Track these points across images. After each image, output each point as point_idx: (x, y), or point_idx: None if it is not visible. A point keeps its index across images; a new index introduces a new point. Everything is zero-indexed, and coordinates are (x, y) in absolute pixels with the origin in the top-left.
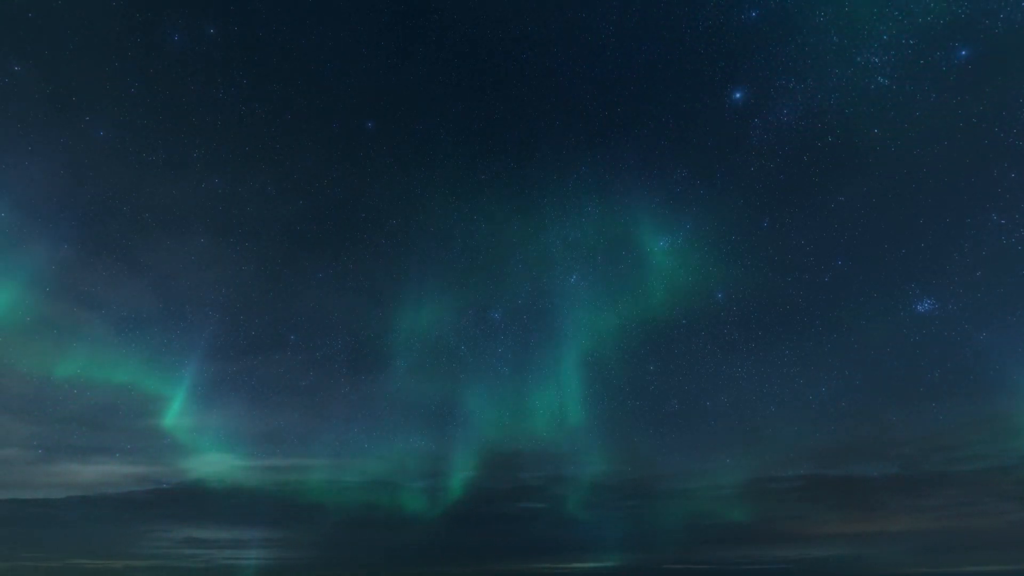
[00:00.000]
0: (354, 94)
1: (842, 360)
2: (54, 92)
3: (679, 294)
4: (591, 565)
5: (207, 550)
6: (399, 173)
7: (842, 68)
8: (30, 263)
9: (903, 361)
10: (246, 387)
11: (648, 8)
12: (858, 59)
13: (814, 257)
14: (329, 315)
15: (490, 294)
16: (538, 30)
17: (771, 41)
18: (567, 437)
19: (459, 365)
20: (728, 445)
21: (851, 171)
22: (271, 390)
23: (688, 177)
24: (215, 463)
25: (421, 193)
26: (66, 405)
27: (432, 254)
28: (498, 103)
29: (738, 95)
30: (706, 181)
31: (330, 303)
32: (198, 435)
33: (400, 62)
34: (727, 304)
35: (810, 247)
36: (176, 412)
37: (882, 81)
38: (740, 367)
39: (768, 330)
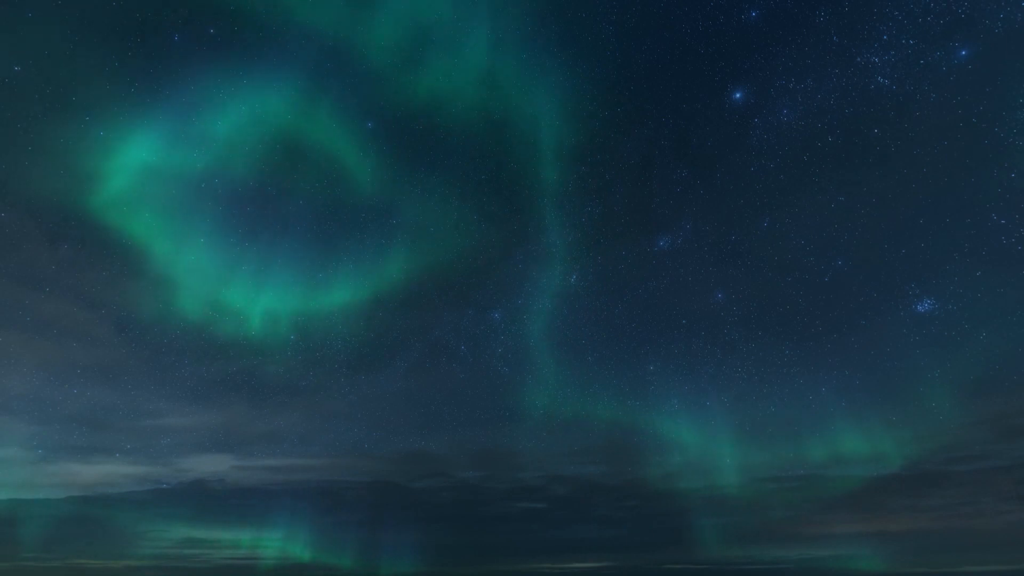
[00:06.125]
0: (354, 94)
1: (842, 360)
2: (54, 92)
3: (679, 294)
4: (591, 565)
5: (207, 550)
6: (400, 173)
7: (842, 68)
8: (30, 263)
9: (903, 361)
10: (246, 387)
11: (648, 8)
12: (858, 59)
13: (814, 257)
14: (331, 315)
15: (490, 294)
16: (538, 30)
17: (771, 41)
18: (567, 437)
19: (459, 365)
20: (728, 444)
21: (851, 171)
22: (271, 390)
23: (688, 177)
24: (215, 463)
25: (422, 193)
26: (66, 405)
27: (432, 254)
28: (498, 103)
29: (738, 95)
30: (706, 181)
31: (333, 303)
32: (198, 435)
33: (401, 62)
34: (727, 304)
35: (810, 247)
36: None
37: (882, 81)
38: (740, 367)
39: (768, 330)
